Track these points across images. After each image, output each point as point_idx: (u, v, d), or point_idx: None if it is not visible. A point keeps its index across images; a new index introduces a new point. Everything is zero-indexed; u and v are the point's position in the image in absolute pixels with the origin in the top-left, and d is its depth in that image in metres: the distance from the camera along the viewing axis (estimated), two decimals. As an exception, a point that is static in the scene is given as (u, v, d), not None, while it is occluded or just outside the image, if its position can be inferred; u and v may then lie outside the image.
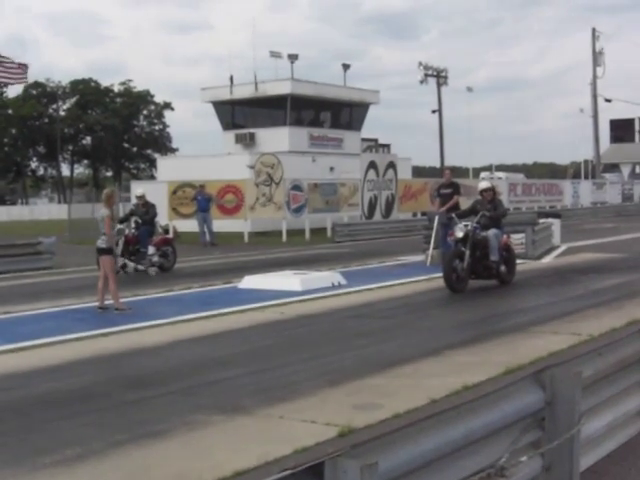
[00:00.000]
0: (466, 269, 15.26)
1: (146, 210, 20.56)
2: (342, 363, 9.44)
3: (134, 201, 22.04)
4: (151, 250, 19.91)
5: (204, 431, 6.86)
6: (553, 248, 24.35)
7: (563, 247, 24.81)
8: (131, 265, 19.26)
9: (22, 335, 11.37)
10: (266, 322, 12.49)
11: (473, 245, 15.37)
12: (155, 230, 20.93)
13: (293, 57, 44.07)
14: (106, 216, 13.61)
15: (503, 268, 16.04)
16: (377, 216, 37.57)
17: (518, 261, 17.30)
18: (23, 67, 26.16)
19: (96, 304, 13.73)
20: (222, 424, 7.05)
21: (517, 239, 20.27)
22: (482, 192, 16.45)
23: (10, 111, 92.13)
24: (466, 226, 15.56)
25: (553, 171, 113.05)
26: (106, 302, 13.62)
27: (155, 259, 20.01)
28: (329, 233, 33.18)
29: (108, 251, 13.69)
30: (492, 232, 15.70)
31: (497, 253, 15.73)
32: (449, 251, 16.16)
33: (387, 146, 50.12)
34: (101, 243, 13.67)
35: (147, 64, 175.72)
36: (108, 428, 7.03)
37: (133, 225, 19.79)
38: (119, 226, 18.46)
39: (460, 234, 15.46)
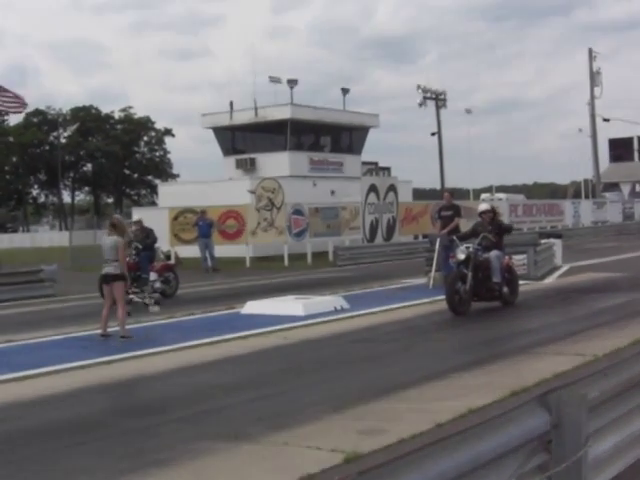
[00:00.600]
0: (469, 291, 15.24)
1: (145, 235, 20.52)
2: (346, 388, 9.40)
3: (133, 227, 22.00)
4: (153, 276, 19.86)
5: (208, 459, 6.81)
6: (555, 268, 24.33)
7: (565, 267, 24.80)
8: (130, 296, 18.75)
9: (24, 364, 11.33)
10: (269, 347, 12.45)
11: (475, 267, 15.35)
12: (156, 255, 20.89)
13: (292, 82, 44.25)
14: (121, 243, 13.64)
15: (506, 289, 16.02)
16: (379, 239, 37.57)
17: (520, 282, 17.28)
18: (20, 98, 26.27)
19: (99, 331, 13.69)
20: (226, 452, 7.01)
21: (519, 260, 20.26)
22: (481, 214, 16.49)
23: (11, 139, 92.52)
24: (467, 248, 15.55)
25: (553, 191, 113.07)
26: (109, 330, 13.58)
27: (157, 285, 19.96)
28: (331, 257, 33.17)
29: (121, 277, 13.67)
30: (494, 254, 15.69)
31: (499, 274, 15.70)
32: (451, 273, 16.13)
33: (387, 169, 50.19)
34: (113, 269, 13.54)
35: (147, 91, 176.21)
36: (112, 457, 6.99)
37: (133, 251, 19.75)
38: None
39: (462, 256, 15.45)
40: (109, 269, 13.64)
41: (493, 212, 16.76)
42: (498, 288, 15.79)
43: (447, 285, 15.64)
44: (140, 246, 19.92)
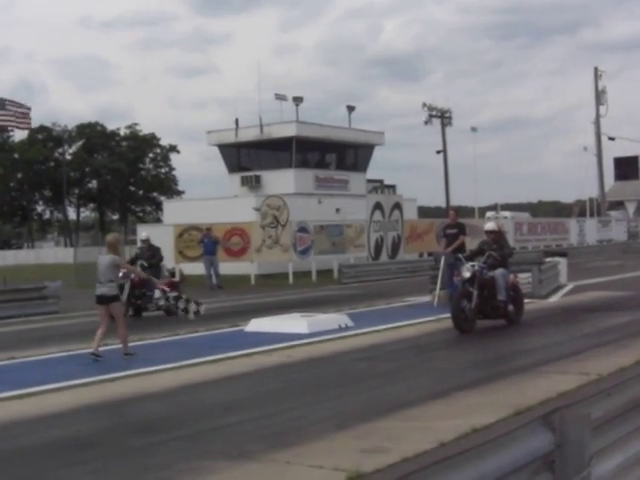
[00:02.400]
0: (474, 309, 15.21)
1: (152, 254, 20.53)
2: (349, 406, 9.36)
3: (139, 244, 22.06)
4: (157, 294, 19.86)
5: (210, 478, 6.77)
6: (560, 287, 24.28)
7: (570, 286, 24.75)
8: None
9: (27, 381, 11.30)
10: (273, 365, 12.41)
11: (480, 285, 15.33)
12: (161, 273, 20.87)
13: (298, 100, 44.30)
14: (119, 261, 13.50)
15: (511, 308, 15.98)
16: (383, 257, 37.56)
17: (525, 300, 17.22)
18: (25, 109, 26.46)
19: (90, 350, 13.40)
20: (228, 470, 6.97)
21: (524, 278, 20.20)
22: (487, 233, 16.53)
23: (16, 155, 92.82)
24: (473, 266, 15.54)
25: (558, 209, 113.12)
26: (100, 349, 13.21)
27: (161, 303, 19.95)
28: (335, 274, 33.14)
29: (117, 298, 13.56)
30: (499, 272, 15.67)
31: (504, 293, 15.67)
32: (457, 291, 16.10)
33: (392, 187, 50.20)
34: (108, 290, 13.18)
35: (153, 108, 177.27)
36: (113, 475, 6.96)
37: (139, 269, 19.75)
38: (123, 270, 18.37)
39: (467, 274, 15.43)
40: (104, 290, 13.18)
41: (499, 233, 16.79)
42: (503, 306, 15.76)
43: (452, 303, 15.63)
44: (145, 264, 19.92)
